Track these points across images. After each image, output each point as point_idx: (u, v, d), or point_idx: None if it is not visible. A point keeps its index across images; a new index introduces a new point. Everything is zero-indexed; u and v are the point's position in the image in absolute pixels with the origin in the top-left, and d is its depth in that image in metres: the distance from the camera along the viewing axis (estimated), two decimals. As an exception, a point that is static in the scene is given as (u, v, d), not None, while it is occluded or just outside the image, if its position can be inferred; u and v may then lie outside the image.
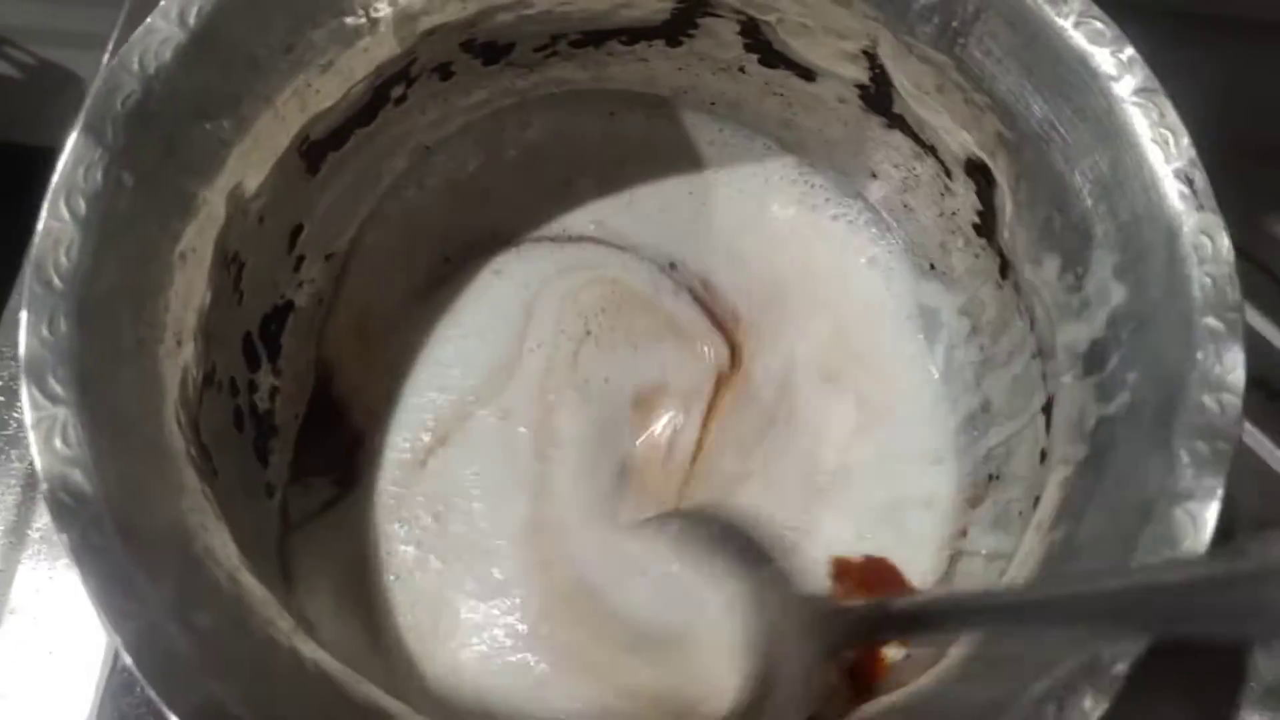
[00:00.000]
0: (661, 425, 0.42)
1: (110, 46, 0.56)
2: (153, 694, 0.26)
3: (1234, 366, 0.29)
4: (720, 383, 0.43)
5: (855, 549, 0.40)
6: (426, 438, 0.41)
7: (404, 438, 0.41)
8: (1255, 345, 0.48)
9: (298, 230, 0.40)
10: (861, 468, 0.41)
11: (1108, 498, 0.30)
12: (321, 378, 0.42)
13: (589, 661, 0.38)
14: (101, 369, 0.29)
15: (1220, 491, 0.28)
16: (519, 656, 0.38)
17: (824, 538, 0.40)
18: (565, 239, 0.45)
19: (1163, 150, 0.32)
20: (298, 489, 0.40)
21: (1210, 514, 0.27)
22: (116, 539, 0.27)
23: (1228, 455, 0.28)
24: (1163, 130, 0.32)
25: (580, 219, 0.45)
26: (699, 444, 0.42)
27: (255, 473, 0.39)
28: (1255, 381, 0.43)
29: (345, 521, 0.40)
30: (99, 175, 0.30)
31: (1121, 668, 0.26)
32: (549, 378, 0.42)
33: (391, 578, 0.39)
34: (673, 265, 0.45)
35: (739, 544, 0.36)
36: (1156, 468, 0.29)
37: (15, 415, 0.47)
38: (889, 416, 0.42)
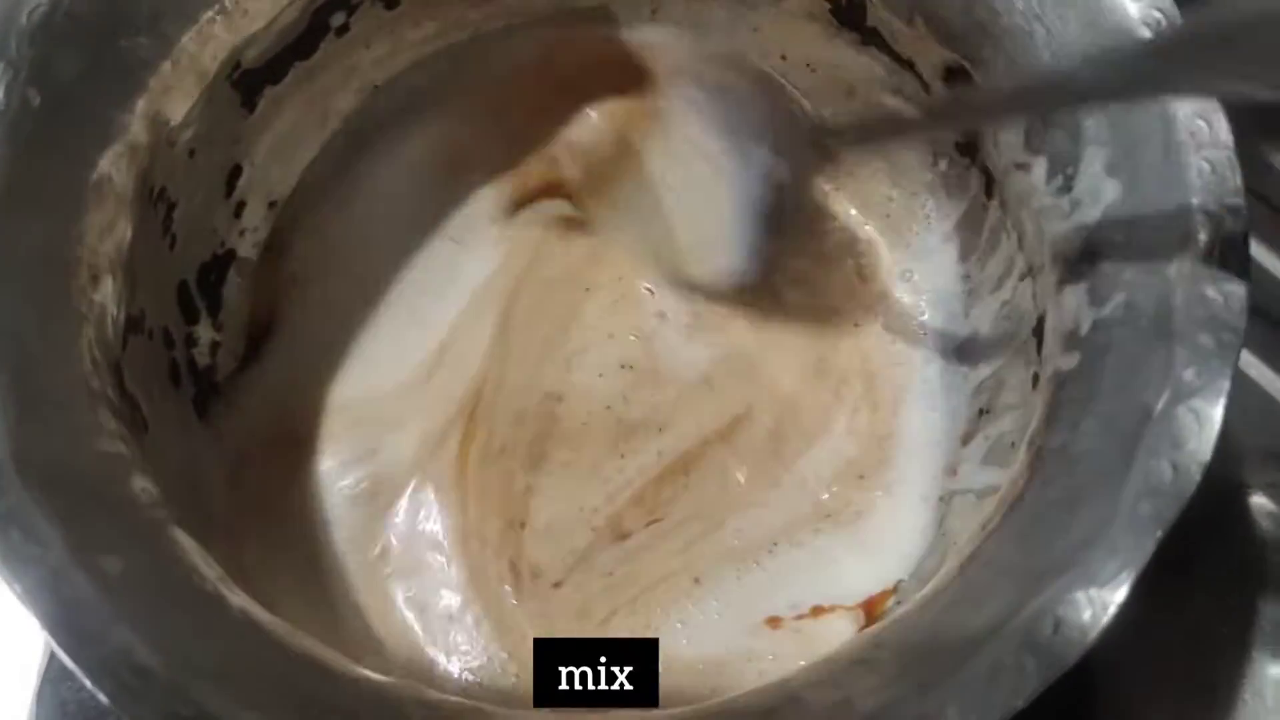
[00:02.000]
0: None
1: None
2: (54, 645, 0.23)
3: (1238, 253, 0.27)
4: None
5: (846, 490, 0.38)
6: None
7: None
8: (1255, 275, 0.47)
9: (235, 172, 0.38)
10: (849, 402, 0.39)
11: (1104, 405, 0.27)
12: (259, 332, 0.39)
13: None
14: (1, 300, 0.27)
15: (1227, 386, 0.25)
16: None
17: (810, 485, 0.38)
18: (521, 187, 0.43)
19: (1154, 31, 0.29)
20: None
21: (1217, 411, 0.25)
22: (15, 477, 0.25)
23: (1235, 347, 0.26)
24: (1152, 11, 0.29)
25: (532, 169, 0.43)
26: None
27: (197, 429, 0.36)
28: (1255, 311, 0.41)
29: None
30: (1, 92, 0.28)
31: (1124, 581, 0.24)
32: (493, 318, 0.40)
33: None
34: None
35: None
36: (1156, 367, 0.26)
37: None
38: (878, 358, 0.40)
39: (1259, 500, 0.43)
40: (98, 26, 0.30)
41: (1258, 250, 0.47)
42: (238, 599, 0.27)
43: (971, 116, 0.36)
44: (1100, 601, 0.24)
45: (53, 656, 0.39)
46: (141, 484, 0.28)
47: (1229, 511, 0.43)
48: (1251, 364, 0.46)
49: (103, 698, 0.23)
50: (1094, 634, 0.24)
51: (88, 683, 0.23)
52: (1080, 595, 0.24)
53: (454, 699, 0.26)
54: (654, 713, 0.26)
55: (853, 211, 0.43)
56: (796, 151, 0.38)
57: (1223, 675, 0.40)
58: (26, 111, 0.29)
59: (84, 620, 0.24)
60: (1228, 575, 0.42)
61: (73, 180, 0.30)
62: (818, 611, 0.35)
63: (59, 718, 0.38)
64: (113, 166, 0.30)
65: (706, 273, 0.40)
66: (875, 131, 0.39)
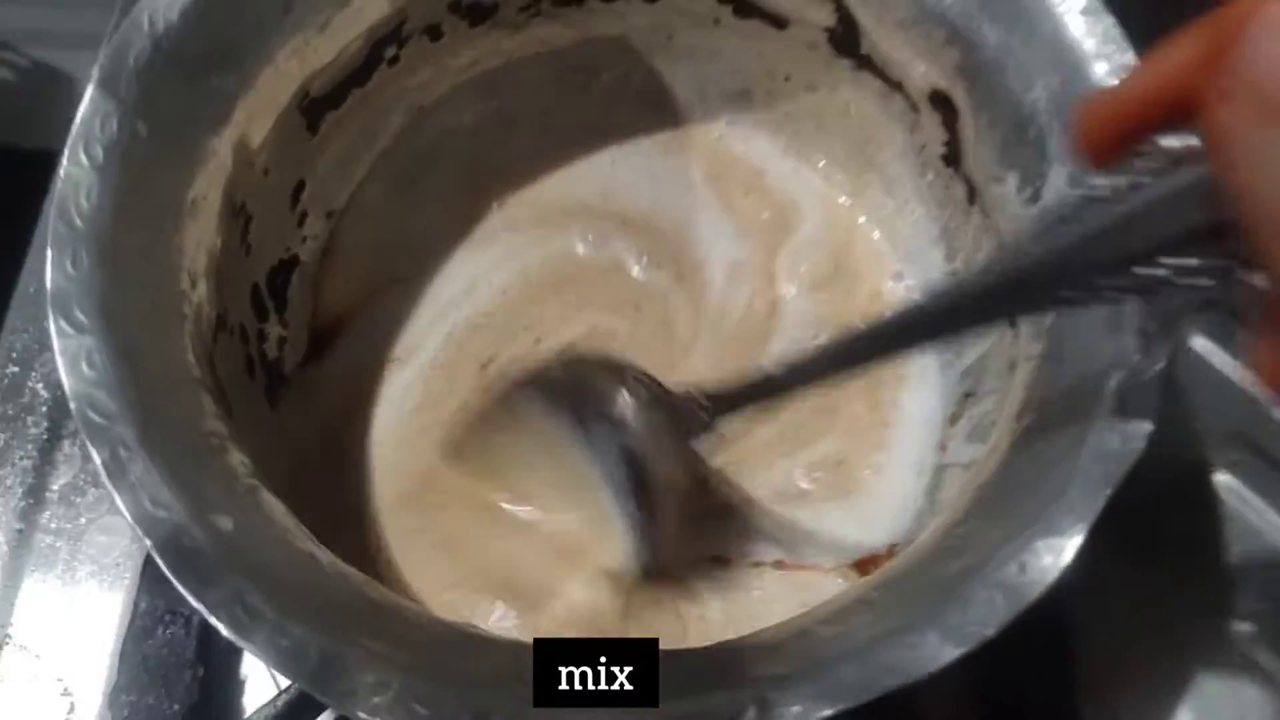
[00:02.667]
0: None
1: (103, 48, 0.58)
2: (181, 588, 0.28)
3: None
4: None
5: (842, 466, 0.42)
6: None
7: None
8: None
9: (300, 187, 0.42)
10: (849, 391, 0.43)
11: (1065, 385, 0.32)
12: (321, 328, 0.44)
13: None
14: (121, 302, 0.32)
15: (1164, 363, 0.30)
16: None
17: (811, 457, 0.42)
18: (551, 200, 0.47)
19: (1108, 64, 0.34)
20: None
21: (1157, 385, 0.29)
22: (142, 452, 0.29)
23: (1173, 330, 0.30)
24: (1107, 45, 0.34)
25: (565, 178, 0.48)
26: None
27: (268, 416, 0.41)
28: (1216, 304, 0.46)
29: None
30: (114, 125, 0.33)
31: (1078, 532, 0.28)
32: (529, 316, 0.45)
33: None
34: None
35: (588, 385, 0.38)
36: (1108, 350, 0.31)
37: (30, 384, 0.49)
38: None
39: (1222, 477, 0.47)
40: (191, 66, 0.35)
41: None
42: (325, 555, 0.31)
43: (827, 370, 0.34)
44: (1058, 548, 0.28)
45: (134, 615, 0.43)
46: (239, 457, 0.32)
47: (1195, 487, 0.47)
48: (1213, 351, 0.49)
49: (221, 627, 0.27)
50: (1053, 575, 0.28)
51: (208, 616, 0.27)
52: (1041, 544, 0.28)
53: (510, 638, 0.30)
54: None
55: (860, 219, 0.47)
56: (652, 429, 0.36)
57: (1189, 633, 0.44)
58: (136, 141, 0.33)
59: (204, 568, 0.28)
60: (1194, 544, 0.46)
61: (174, 199, 0.34)
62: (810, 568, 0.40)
63: (140, 671, 0.42)
64: (206, 186, 0.35)
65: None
66: (742, 397, 0.36)
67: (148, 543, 0.28)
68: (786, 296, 0.46)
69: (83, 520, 0.46)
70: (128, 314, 0.31)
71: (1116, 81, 0.34)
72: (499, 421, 0.39)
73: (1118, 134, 0.24)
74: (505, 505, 0.41)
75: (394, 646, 0.28)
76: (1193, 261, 0.24)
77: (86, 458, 0.46)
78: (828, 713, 0.27)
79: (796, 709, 0.27)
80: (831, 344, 0.34)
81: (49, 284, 0.31)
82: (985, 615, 0.27)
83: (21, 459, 0.47)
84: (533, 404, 0.38)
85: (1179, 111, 0.23)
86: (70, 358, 0.30)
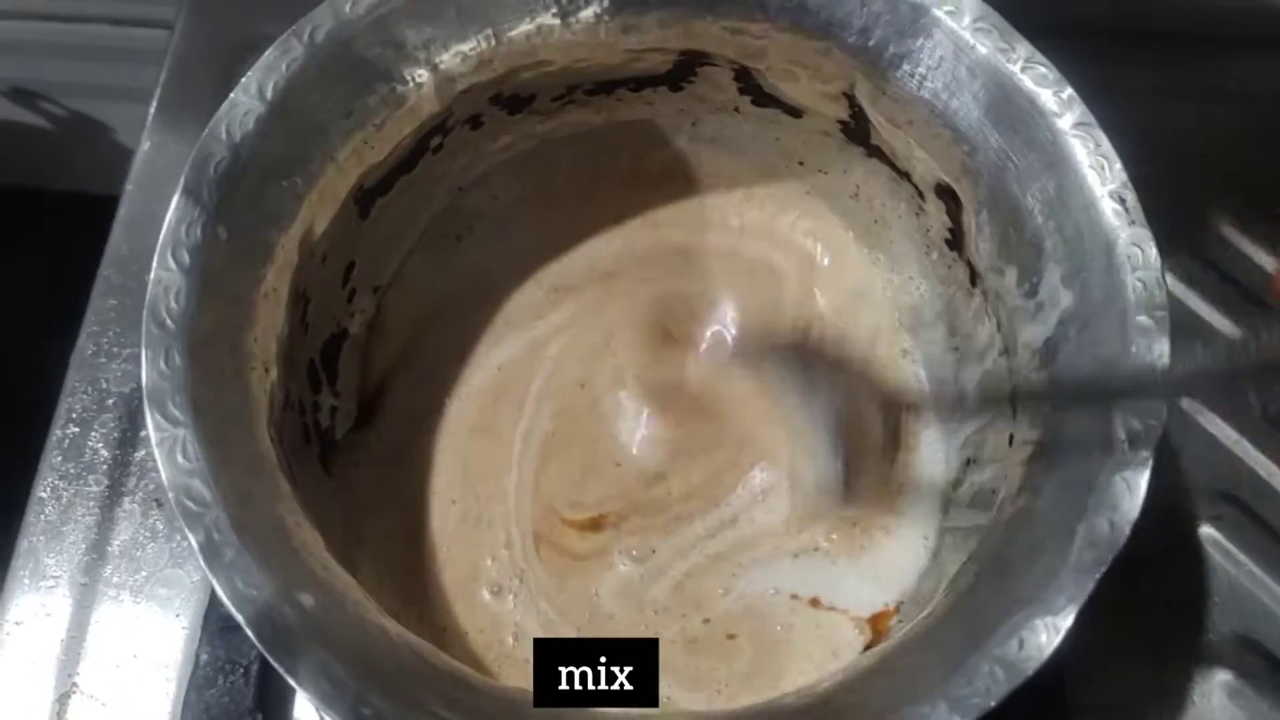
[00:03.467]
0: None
1: (155, 101, 0.61)
2: (273, 661, 0.31)
3: (1161, 355, 0.35)
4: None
5: (856, 528, 0.46)
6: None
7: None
8: (1207, 334, 0.54)
9: (350, 267, 0.45)
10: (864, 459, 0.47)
11: (1059, 472, 0.35)
12: (369, 397, 0.47)
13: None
14: (208, 395, 0.35)
15: (1150, 460, 0.33)
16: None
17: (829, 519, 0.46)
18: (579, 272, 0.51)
19: (1099, 175, 0.37)
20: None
21: (1143, 480, 0.33)
22: (232, 535, 0.32)
23: (1157, 431, 0.34)
24: (1099, 158, 0.37)
25: (592, 252, 0.52)
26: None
27: (323, 481, 0.44)
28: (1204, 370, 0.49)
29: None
30: (199, 231, 0.36)
31: (1070, 611, 0.32)
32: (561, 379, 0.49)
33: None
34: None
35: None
36: (1099, 443, 0.34)
37: (90, 444, 0.52)
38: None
39: (1207, 530, 0.50)
40: (265, 171, 0.38)
41: (1211, 314, 0.55)
42: (393, 625, 0.34)
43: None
44: (1054, 627, 0.32)
45: (196, 665, 0.47)
46: (312, 534, 0.36)
47: (1182, 540, 0.50)
48: (1200, 412, 0.53)
49: (310, 700, 0.31)
50: (1049, 651, 0.31)
51: (299, 687, 0.31)
52: (1039, 622, 0.32)
53: (565, 709, 0.34)
54: (695, 711, 0.34)
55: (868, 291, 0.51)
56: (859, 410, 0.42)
57: (1176, 682, 0.47)
58: (216, 243, 0.36)
59: (292, 642, 0.31)
60: (1181, 595, 0.49)
61: (249, 294, 0.37)
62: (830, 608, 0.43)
63: (204, 718, 0.46)
64: (276, 279, 0.38)
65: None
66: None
67: (241, 620, 0.31)
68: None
69: (143, 574, 0.49)
70: (213, 404, 0.35)
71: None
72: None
73: None
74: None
75: (459, 713, 0.32)
76: None
77: (145, 514, 0.50)
78: (848, 780, 0.30)
79: (821, 770, 0.30)
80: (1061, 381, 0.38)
81: (145, 382, 0.34)
82: (988, 688, 0.31)
83: (84, 515, 0.50)
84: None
85: None
86: (167, 450, 0.33)
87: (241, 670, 0.46)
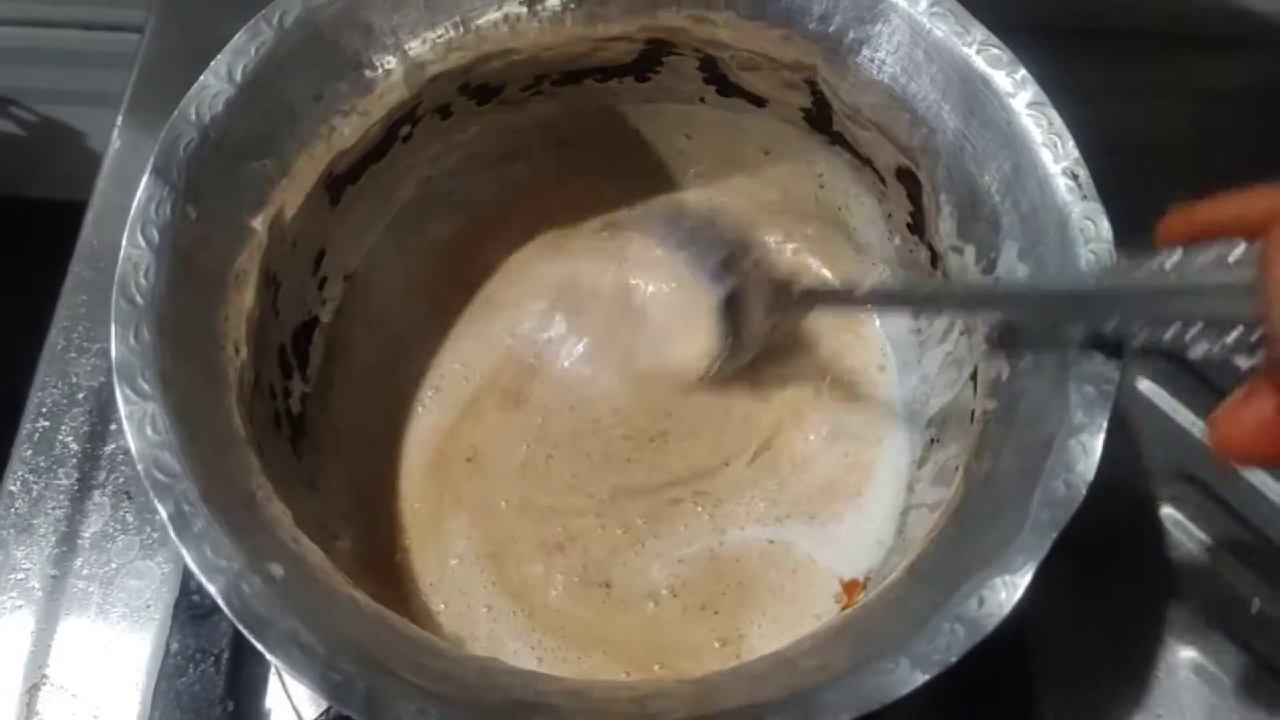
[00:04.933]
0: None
1: (125, 101, 0.62)
2: (243, 629, 0.31)
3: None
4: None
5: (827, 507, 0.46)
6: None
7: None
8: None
9: (321, 254, 0.46)
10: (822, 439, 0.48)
11: (1018, 437, 0.36)
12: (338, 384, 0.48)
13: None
14: (178, 371, 0.35)
15: (1105, 424, 0.34)
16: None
17: (793, 495, 0.46)
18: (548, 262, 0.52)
19: (1052, 152, 0.38)
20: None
21: (1097, 443, 0.34)
22: (202, 506, 0.33)
23: (1111, 394, 0.34)
24: (1052, 135, 0.38)
25: (561, 241, 0.52)
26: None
27: (294, 466, 0.44)
28: (1164, 352, 0.50)
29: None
30: (168, 209, 0.36)
31: (1029, 570, 0.32)
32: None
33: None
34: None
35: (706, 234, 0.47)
36: (1055, 409, 0.35)
37: (60, 437, 0.52)
38: (851, 391, 0.49)
39: (1168, 510, 0.51)
40: (235, 153, 0.38)
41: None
42: (362, 596, 0.35)
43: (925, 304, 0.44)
44: (1012, 584, 0.32)
45: (166, 654, 0.47)
46: (280, 508, 0.36)
47: (1143, 520, 0.52)
48: (1160, 395, 0.54)
49: (278, 664, 0.31)
50: (1008, 607, 0.32)
51: (268, 655, 0.31)
52: (998, 580, 0.32)
53: (532, 670, 0.34)
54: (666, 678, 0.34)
55: (826, 274, 0.51)
56: (754, 283, 0.45)
57: (1139, 659, 0.48)
58: (186, 223, 0.37)
59: (262, 611, 0.32)
60: (1143, 574, 0.50)
61: (220, 274, 0.38)
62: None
63: (174, 708, 0.46)
64: (247, 261, 0.39)
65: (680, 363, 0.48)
66: (833, 299, 0.47)
67: (211, 589, 0.32)
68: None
69: (113, 565, 0.49)
70: (183, 381, 0.35)
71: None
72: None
73: (1188, 234, 0.32)
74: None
75: (428, 678, 0.32)
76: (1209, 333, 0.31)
77: (116, 506, 0.50)
78: (813, 733, 0.30)
79: (784, 731, 0.30)
80: (919, 284, 0.43)
81: (114, 356, 0.34)
82: (949, 644, 0.32)
83: (54, 508, 0.51)
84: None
85: (1239, 233, 0.30)
86: (136, 423, 0.33)
87: (213, 659, 0.47)
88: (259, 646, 0.31)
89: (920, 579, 0.35)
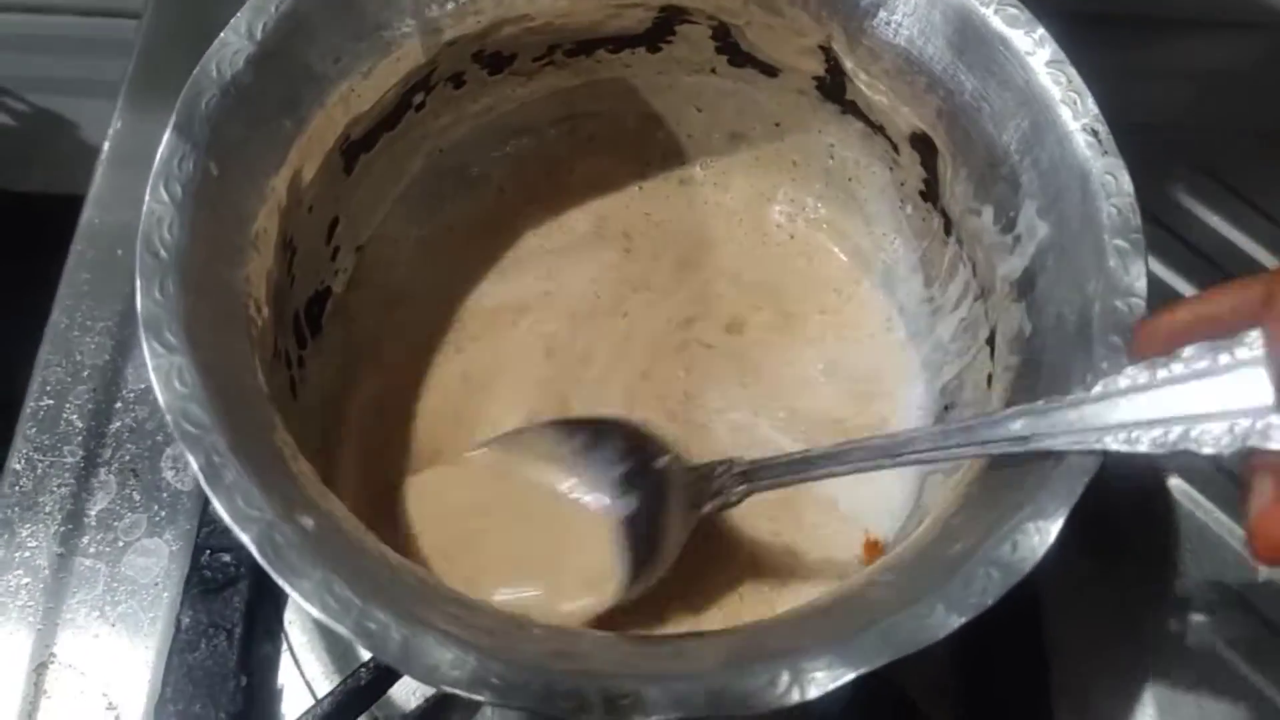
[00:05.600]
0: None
1: (123, 92, 0.61)
2: (277, 578, 0.31)
3: (1139, 275, 0.36)
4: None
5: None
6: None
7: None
8: (1158, 289, 0.56)
9: (334, 223, 0.46)
10: (835, 407, 0.48)
11: (1041, 392, 0.36)
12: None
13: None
14: (203, 325, 0.35)
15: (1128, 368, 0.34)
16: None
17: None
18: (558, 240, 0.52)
19: (1071, 109, 0.38)
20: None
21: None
22: (233, 458, 0.32)
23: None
24: (1071, 93, 0.39)
25: (576, 218, 0.52)
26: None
27: (309, 435, 0.44)
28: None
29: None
30: (190, 165, 0.36)
31: (1061, 514, 0.32)
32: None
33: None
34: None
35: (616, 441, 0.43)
36: (1079, 361, 0.35)
37: (65, 415, 0.52)
38: (859, 362, 0.49)
39: (1175, 481, 0.52)
40: (256, 110, 0.38)
41: (1173, 278, 0.57)
42: (394, 556, 0.34)
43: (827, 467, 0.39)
44: (1045, 530, 0.32)
45: (178, 629, 0.46)
46: (306, 466, 0.36)
47: (1152, 491, 0.52)
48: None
49: (314, 612, 0.30)
50: (1041, 551, 0.32)
51: (303, 603, 0.31)
52: (1030, 525, 0.32)
53: (553, 625, 0.34)
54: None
55: (834, 249, 0.52)
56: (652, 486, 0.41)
57: (1150, 626, 0.49)
58: (208, 179, 0.36)
59: (295, 561, 0.31)
60: (1152, 543, 0.51)
61: (241, 232, 0.37)
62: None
63: (186, 683, 0.45)
64: (267, 220, 0.38)
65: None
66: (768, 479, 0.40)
67: (244, 538, 0.31)
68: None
69: (120, 544, 0.49)
70: (208, 336, 0.35)
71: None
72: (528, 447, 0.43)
73: (1170, 339, 0.32)
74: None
75: (463, 629, 0.32)
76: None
77: (122, 484, 0.50)
78: (850, 675, 0.30)
79: (822, 674, 0.30)
80: (855, 446, 0.38)
81: (140, 310, 0.34)
82: (984, 587, 0.32)
83: (59, 486, 0.50)
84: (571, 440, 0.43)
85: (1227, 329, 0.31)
86: (164, 375, 0.33)
87: (225, 634, 0.46)
88: (295, 595, 0.31)
89: (948, 530, 0.35)
